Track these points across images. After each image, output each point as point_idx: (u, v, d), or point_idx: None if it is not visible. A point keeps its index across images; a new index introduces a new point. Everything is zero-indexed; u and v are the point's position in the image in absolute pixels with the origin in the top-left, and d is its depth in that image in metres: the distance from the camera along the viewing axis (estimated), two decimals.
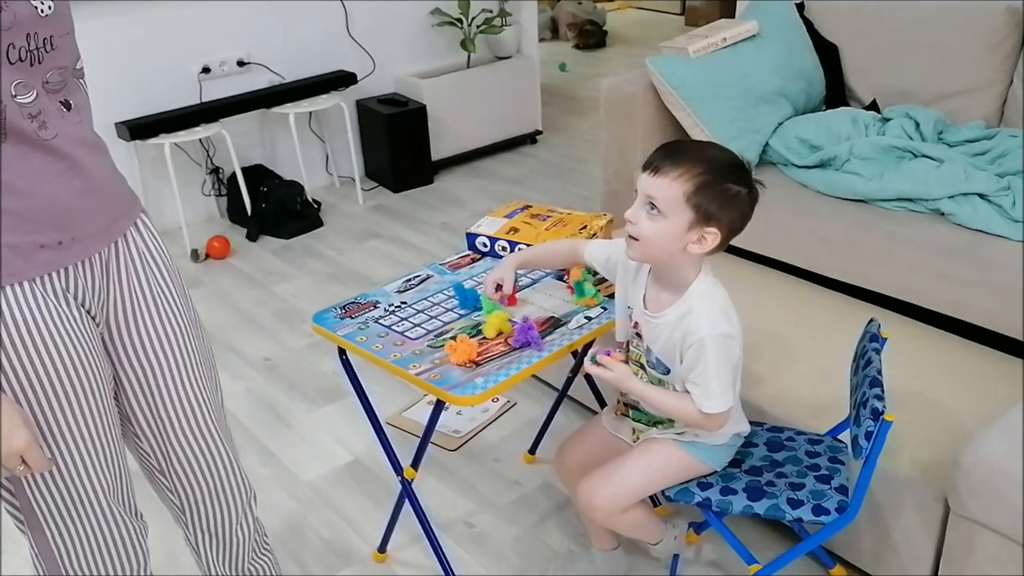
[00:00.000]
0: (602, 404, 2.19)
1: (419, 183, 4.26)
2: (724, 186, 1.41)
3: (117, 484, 1.35)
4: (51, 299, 1.20)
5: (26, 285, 1.17)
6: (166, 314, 1.38)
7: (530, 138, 4.76)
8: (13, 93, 1.09)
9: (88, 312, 1.28)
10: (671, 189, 1.42)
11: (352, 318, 1.78)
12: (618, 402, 1.79)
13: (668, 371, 1.55)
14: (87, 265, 1.26)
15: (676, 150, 1.45)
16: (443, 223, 3.85)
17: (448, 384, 1.53)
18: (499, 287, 1.74)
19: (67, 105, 1.19)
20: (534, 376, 2.60)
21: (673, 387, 1.56)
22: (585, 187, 4.13)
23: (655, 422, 1.66)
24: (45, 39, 1.13)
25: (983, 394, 1.86)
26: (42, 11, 1.12)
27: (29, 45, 1.11)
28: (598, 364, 1.56)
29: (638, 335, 1.60)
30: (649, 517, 1.75)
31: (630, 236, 1.48)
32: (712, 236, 1.43)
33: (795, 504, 1.56)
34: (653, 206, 1.43)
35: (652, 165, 1.45)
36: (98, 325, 1.31)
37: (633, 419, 1.71)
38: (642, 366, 1.61)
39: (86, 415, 1.26)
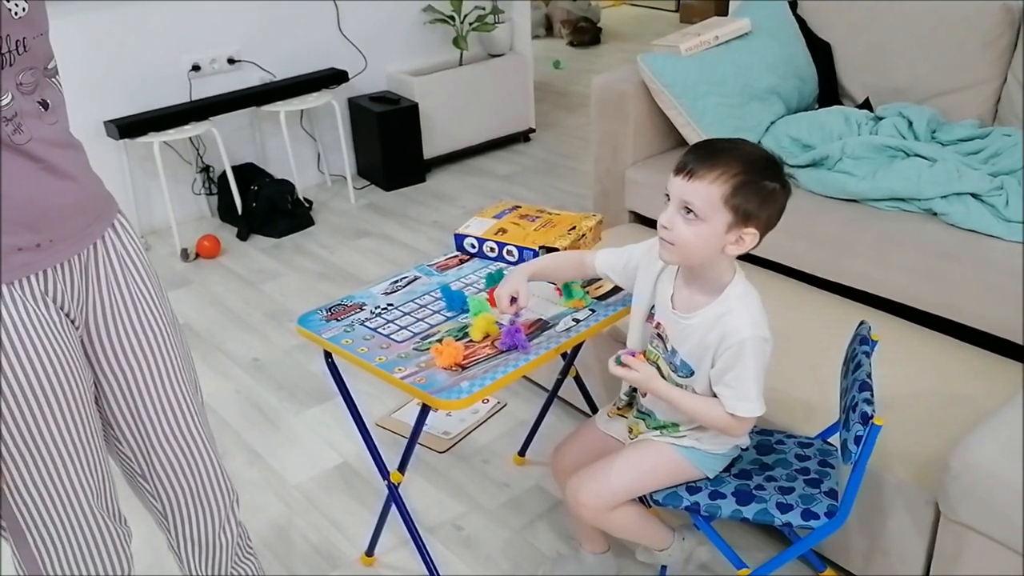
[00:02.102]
0: (592, 406, 2.18)
1: (411, 181, 4.24)
2: (761, 184, 1.39)
3: (100, 489, 1.33)
4: (30, 303, 1.19)
5: (4, 289, 1.16)
6: (146, 316, 1.36)
7: (523, 136, 4.74)
8: None
9: (68, 316, 1.27)
10: (709, 192, 1.39)
11: (338, 320, 1.76)
12: (615, 406, 1.78)
13: (692, 373, 1.52)
14: (66, 268, 1.24)
15: (710, 151, 1.42)
16: (434, 221, 3.83)
17: (433, 388, 1.52)
18: (513, 300, 1.67)
19: (44, 105, 1.17)
20: (525, 377, 2.58)
21: (692, 390, 1.54)
22: (578, 185, 4.11)
23: (661, 426, 1.64)
24: (18, 41, 1.11)
25: (976, 395, 1.85)
26: (15, 13, 1.10)
27: (1, 48, 1.09)
28: (623, 365, 1.54)
29: (659, 336, 1.58)
30: (646, 520, 1.72)
31: (664, 240, 1.45)
32: (751, 236, 1.42)
33: (784, 508, 1.54)
34: (689, 210, 1.40)
35: (686, 168, 1.41)
36: (77, 328, 1.30)
37: (637, 417, 1.69)
38: (658, 368, 1.58)
39: (68, 420, 1.24)
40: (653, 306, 1.60)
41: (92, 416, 1.30)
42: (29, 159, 1.14)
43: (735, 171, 1.38)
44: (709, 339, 1.48)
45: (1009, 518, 1.47)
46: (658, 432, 1.64)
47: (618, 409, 1.77)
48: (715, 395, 1.51)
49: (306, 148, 4.21)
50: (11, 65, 1.11)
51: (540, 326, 1.70)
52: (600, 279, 1.86)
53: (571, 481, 1.66)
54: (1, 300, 1.16)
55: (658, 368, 1.58)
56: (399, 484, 1.79)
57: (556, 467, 1.83)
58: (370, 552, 2.03)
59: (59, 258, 1.22)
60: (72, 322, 1.28)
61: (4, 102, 1.10)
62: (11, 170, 1.12)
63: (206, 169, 3.90)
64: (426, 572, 1.83)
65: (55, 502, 1.27)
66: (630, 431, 1.71)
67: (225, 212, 3.90)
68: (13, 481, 1.23)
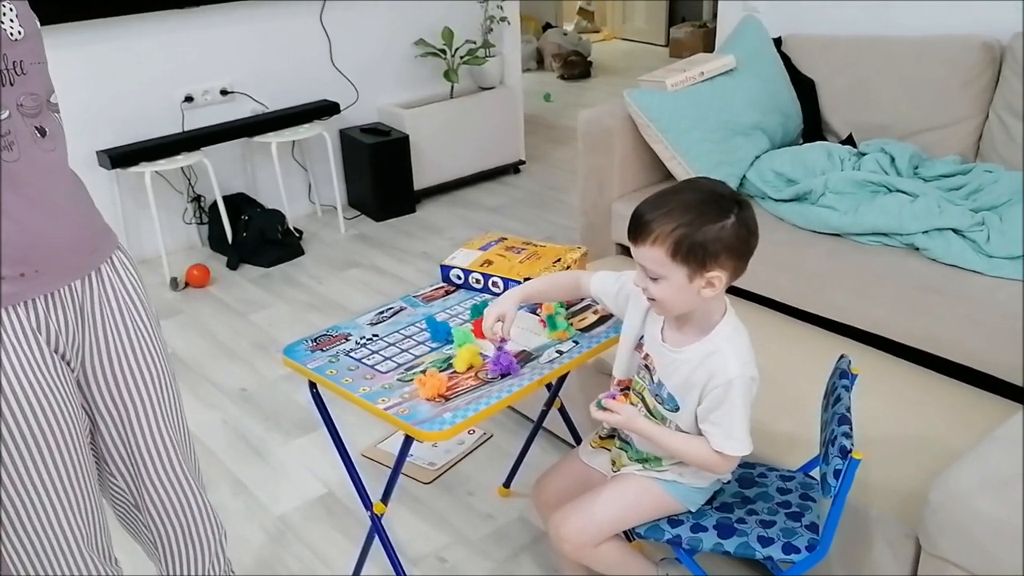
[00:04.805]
0: (576, 437, 2.18)
1: (401, 212, 4.27)
2: (702, 231, 1.38)
3: (92, 532, 1.33)
4: (23, 341, 1.18)
5: None
6: (144, 355, 1.37)
7: (513, 168, 4.78)
8: None
9: (62, 357, 1.26)
10: (653, 254, 1.41)
11: (323, 351, 1.76)
12: (598, 435, 1.78)
13: (678, 408, 1.53)
14: (59, 305, 1.24)
15: (645, 211, 1.43)
16: (424, 252, 3.85)
17: (416, 419, 1.52)
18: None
19: (42, 131, 1.18)
20: (511, 408, 2.59)
21: (676, 426, 1.55)
22: (567, 217, 4.14)
23: (643, 459, 1.64)
24: (15, 62, 1.14)
25: (956, 429, 1.86)
26: (11, 34, 1.13)
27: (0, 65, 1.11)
28: (604, 409, 1.55)
29: (646, 367, 1.59)
30: (629, 556, 1.71)
31: (647, 299, 1.49)
32: (717, 278, 1.41)
33: (765, 542, 1.55)
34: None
35: (630, 234, 1.44)
36: (73, 371, 1.29)
37: (619, 448, 1.69)
38: (643, 399, 1.59)
39: (59, 464, 1.24)
40: (642, 336, 1.61)
41: (86, 459, 1.30)
42: (15, 183, 1.14)
43: (671, 227, 1.38)
44: (696, 376, 1.48)
45: (989, 552, 1.47)
46: (640, 466, 1.64)
47: (601, 439, 1.78)
48: (700, 432, 1.52)
49: (297, 179, 4.24)
50: (11, 85, 1.13)
51: (524, 357, 1.71)
52: (584, 311, 1.88)
53: (554, 516, 1.66)
54: None
55: (643, 399, 1.59)
56: (382, 515, 1.78)
57: (538, 499, 1.83)
58: None
59: (46, 289, 1.22)
60: (68, 364, 1.28)
61: (1, 117, 1.11)
62: None
63: (197, 199, 3.92)
64: None
65: (46, 545, 1.27)
66: (613, 463, 1.71)
67: (215, 242, 3.92)
68: (3, 526, 1.22)
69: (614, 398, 1.57)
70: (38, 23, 1.19)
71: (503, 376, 1.63)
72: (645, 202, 1.45)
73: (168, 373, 1.42)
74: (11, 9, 1.13)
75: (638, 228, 1.43)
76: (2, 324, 1.17)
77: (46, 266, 1.21)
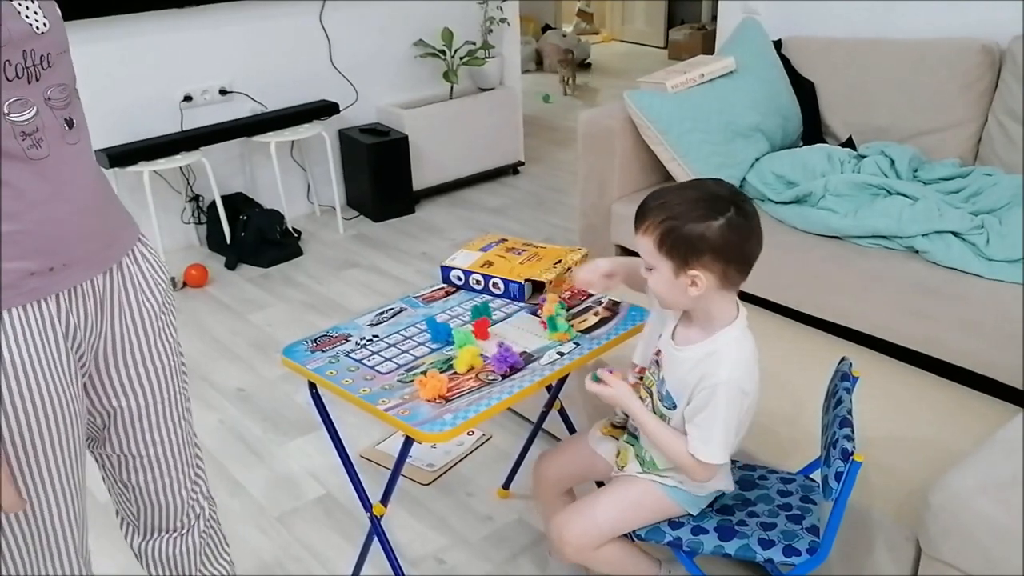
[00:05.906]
0: None
1: (400, 213, 4.26)
2: (688, 228, 1.39)
3: (81, 531, 1.32)
4: (38, 334, 1.17)
5: (15, 313, 1.14)
6: (157, 351, 1.37)
7: (512, 169, 4.78)
8: (7, 111, 1.08)
9: (77, 349, 1.26)
10: (644, 243, 1.44)
11: (323, 351, 1.76)
12: (609, 423, 1.78)
13: (675, 407, 1.53)
14: (80, 301, 1.23)
15: (646, 202, 1.46)
16: (423, 253, 3.85)
17: (416, 420, 1.52)
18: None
19: (70, 123, 1.18)
20: (510, 409, 2.59)
21: (673, 425, 1.55)
22: (566, 218, 4.14)
23: (643, 460, 1.64)
24: (42, 56, 1.12)
25: (957, 432, 1.86)
26: (37, 28, 1.11)
27: (26, 62, 1.10)
28: (599, 381, 1.56)
29: (656, 363, 1.59)
30: (631, 556, 1.70)
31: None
32: (699, 277, 1.41)
33: (766, 544, 1.54)
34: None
35: (634, 221, 1.47)
36: (84, 366, 1.29)
37: (627, 442, 1.69)
38: (651, 394, 1.59)
39: (61, 467, 1.23)
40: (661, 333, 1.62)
41: (81, 455, 1.29)
42: (43, 178, 1.14)
43: (660, 219, 1.41)
44: (691, 376, 1.48)
45: (990, 555, 1.47)
46: (642, 467, 1.64)
47: (612, 426, 1.77)
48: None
49: (296, 179, 4.24)
50: (37, 80, 1.12)
51: (525, 359, 1.70)
52: (584, 313, 1.87)
53: (556, 519, 1.66)
54: (12, 328, 1.14)
55: (651, 394, 1.59)
56: (382, 517, 1.78)
57: (539, 475, 1.84)
58: None
59: (71, 282, 1.20)
60: (80, 357, 1.27)
61: (26, 117, 1.10)
62: (24, 189, 1.12)
63: (196, 198, 3.91)
64: None
65: (42, 545, 1.25)
66: (617, 454, 1.71)
67: (214, 241, 3.91)
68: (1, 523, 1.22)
69: (611, 372, 1.57)
70: (58, 9, 1.18)
71: (511, 371, 1.63)
72: (651, 193, 1.48)
73: (179, 367, 1.42)
74: (33, 1, 1.11)
75: (638, 215, 1.47)
76: (26, 319, 1.16)
77: (73, 260, 1.20)
